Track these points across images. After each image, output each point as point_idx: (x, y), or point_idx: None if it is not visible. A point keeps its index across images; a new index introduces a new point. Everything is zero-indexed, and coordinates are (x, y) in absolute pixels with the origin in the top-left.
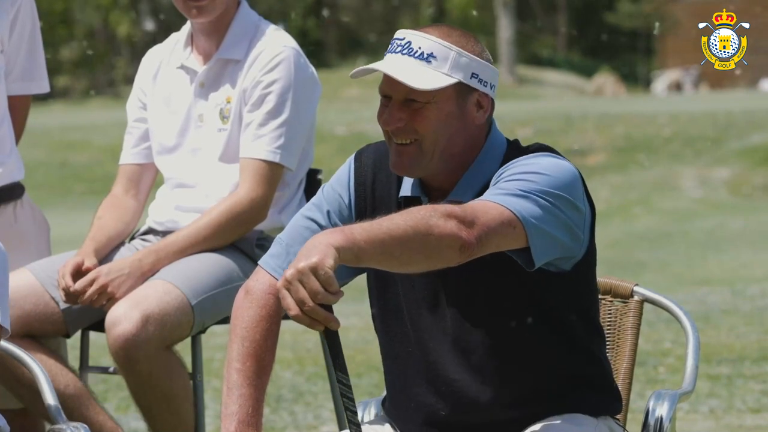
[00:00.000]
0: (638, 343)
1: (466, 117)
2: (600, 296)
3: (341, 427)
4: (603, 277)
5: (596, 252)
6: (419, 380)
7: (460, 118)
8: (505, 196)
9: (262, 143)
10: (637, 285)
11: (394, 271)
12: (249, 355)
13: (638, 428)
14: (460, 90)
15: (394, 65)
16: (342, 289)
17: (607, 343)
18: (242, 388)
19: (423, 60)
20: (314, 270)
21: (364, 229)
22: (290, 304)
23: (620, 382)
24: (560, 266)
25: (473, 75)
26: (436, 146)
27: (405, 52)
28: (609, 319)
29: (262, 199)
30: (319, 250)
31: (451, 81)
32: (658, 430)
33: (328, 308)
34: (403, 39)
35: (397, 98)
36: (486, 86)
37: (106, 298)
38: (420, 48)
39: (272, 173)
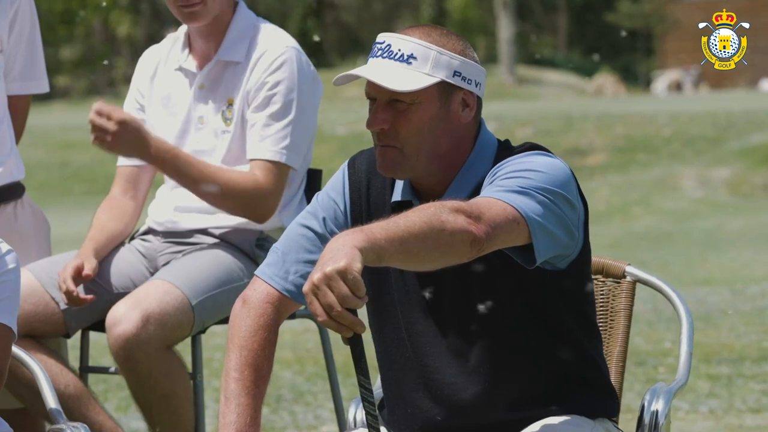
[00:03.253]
0: (631, 326)
1: (451, 116)
2: (592, 276)
3: (341, 428)
4: (595, 256)
5: (590, 251)
6: (415, 385)
7: (445, 118)
8: (505, 193)
9: (267, 144)
10: (629, 265)
11: (410, 269)
12: (247, 364)
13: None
14: (444, 89)
15: (375, 69)
16: None
17: (600, 324)
18: (240, 398)
19: (404, 62)
20: (342, 274)
21: (383, 228)
22: (318, 309)
23: (613, 365)
24: (556, 264)
25: (456, 73)
26: (420, 148)
27: (385, 55)
28: (601, 300)
29: (268, 192)
30: (345, 252)
31: (433, 80)
32: (654, 426)
33: (353, 312)
34: (383, 42)
35: (381, 100)
36: (471, 84)
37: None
38: (400, 50)
39: (279, 172)
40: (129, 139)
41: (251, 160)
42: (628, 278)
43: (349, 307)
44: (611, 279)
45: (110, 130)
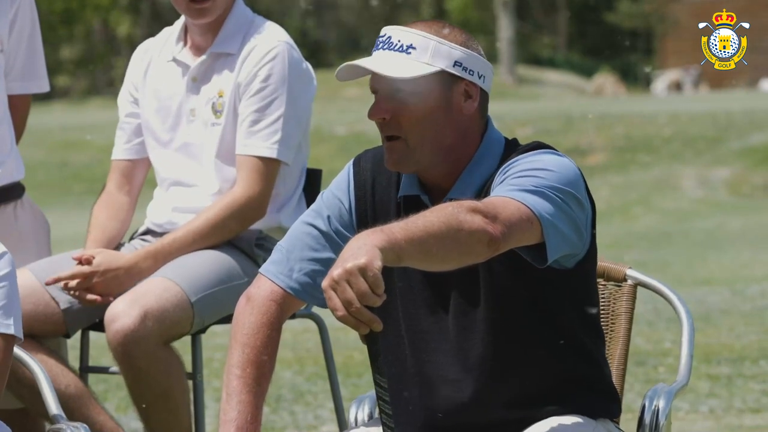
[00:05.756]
0: (632, 328)
1: (453, 107)
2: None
3: (341, 428)
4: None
5: (597, 251)
6: (417, 383)
7: (447, 108)
8: (518, 192)
9: (258, 139)
10: (630, 268)
11: (427, 269)
12: (249, 362)
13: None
14: (444, 79)
15: (374, 60)
16: None
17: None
18: (241, 395)
19: (403, 52)
20: (363, 271)
21: (403, 229)
22: (337, 304)
23: (614, 368)
24: (564, 264)
25: (456, 63)
26: (423, 139)
27: (386, 47)
28: (603, 303)
29: (260, 196)
30: (366, 250)
31: (432, 69)
32: (654, 426)
33: (371, 310)
34: (385, 35)
35: (383, 91)
36: (473, 75)
37: (96, 295)
38: (400, 41)
39: (269, 169)
40: (116, 275)
41: (241, 155)
42: (629, 281)
43: (368, 304)
44: (612, 282)
45: (97, 282)
